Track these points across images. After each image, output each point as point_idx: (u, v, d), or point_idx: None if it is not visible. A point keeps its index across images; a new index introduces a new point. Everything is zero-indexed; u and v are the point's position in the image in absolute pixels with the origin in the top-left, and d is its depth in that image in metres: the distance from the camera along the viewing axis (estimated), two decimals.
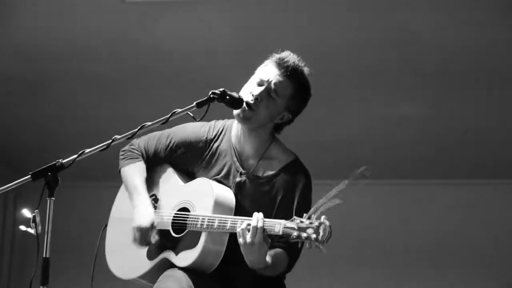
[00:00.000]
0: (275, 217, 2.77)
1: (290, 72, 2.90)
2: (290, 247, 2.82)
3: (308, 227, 2.59)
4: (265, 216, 2.72)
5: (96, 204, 7.04)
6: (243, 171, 2.94)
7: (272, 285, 2.93)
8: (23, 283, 7.15)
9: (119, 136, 2.68)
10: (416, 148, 6.69)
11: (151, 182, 3.06)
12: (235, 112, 2.90)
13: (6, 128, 6.56)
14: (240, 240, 2.69)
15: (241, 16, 5.07)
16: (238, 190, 2.92)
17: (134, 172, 3.04)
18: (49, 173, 2.55)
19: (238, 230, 2.70)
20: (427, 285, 7.02)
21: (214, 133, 3.03)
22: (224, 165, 2.97)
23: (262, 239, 2.66)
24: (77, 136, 6.49)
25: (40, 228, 2.53)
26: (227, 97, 2.81)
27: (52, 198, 2.53)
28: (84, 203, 7.35)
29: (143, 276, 2.96)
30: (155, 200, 3.03)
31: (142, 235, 2.88)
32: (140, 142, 3.09)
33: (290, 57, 2.94)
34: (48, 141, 6.68)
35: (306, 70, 2.96)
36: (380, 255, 7.09)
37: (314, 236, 2.58)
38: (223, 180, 2.95)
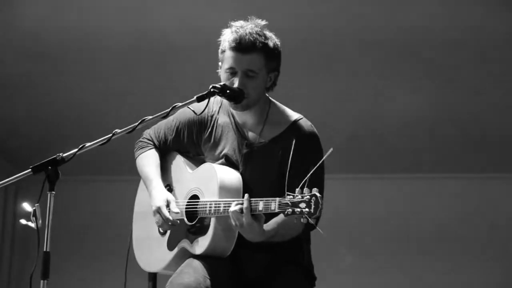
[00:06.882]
0: (288, 179, 2.67)
1: (250, 47, 2.83)
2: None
3: (301, 201, 2.55)
4: (278, 179, 2.74)
5: (100, 198, 7.05)
6: (248, 142, 2.93)
7: (289, 264, 2.91)
8: (23, 277, 7.14)
9: (119, 130, 2.68)
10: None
11: (164, 172, 3.09)
12: (233, 105, 2.89)
13: (7, 121, 6.54)
14: (232, 222, 2.70)
15: None
16: (247, 161, 2.91)
17: (143, 162, 3.09)
18: (50, 167, 2.55)
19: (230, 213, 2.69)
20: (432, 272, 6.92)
21: (214, 109, 3.03)
22: (229, 139, 2.96)
23: (250, 220, 2.65)
24: (78, 130, 6.48)
25: (40, 222, 2.53)
26: (228, 91, 2.82)
27: (53, 192, 2.54)
28: (85, 197, 7.33)
29: (167, 267, 2.98)
30: (169, 190, 3.04)
31: (159, 215, 2.91)
32: (149, 131, 3.14)
33: (240, 32, 2.84)
34: (48, 135, 6.66)
35: (259, 28, 2.86)
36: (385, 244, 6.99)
37: (306, 210, 2.53)
38: (231, 155, 2.93)
